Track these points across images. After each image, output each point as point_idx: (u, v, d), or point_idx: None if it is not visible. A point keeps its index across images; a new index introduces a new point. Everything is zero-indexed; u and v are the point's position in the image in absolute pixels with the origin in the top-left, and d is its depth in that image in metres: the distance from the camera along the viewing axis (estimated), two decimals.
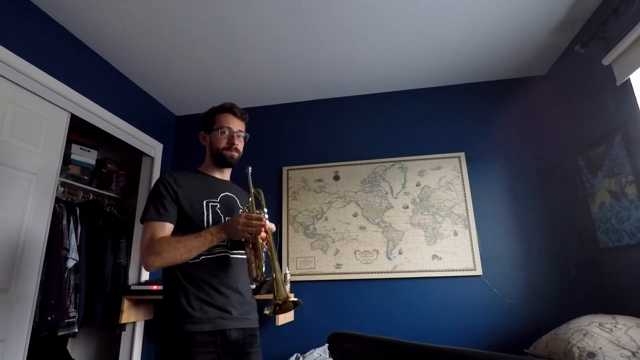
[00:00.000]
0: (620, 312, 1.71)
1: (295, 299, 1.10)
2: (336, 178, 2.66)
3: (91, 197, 2.63)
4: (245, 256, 1.32)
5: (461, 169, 2.53)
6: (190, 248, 1.18)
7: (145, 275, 2.54)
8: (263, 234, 1.19)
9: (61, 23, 2.01)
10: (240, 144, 1.42)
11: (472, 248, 2.37)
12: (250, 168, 1.40)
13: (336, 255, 2.50)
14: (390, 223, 2.51)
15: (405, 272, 2.40)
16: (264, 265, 1.20)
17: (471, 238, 2.39)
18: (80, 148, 2.57)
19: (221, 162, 1.41)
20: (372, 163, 2.65)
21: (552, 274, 2.26)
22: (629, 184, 1.79)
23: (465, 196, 2.47)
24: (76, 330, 2.13)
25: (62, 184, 2.38)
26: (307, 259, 2.53)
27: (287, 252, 2.55)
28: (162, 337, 1.23)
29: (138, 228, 2.62)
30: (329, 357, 2.05)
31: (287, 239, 2.58)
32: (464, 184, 2.50)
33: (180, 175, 1.34)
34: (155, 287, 2.26)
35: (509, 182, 2.47)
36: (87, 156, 2.61)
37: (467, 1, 1.92)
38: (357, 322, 2.35)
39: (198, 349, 1.16)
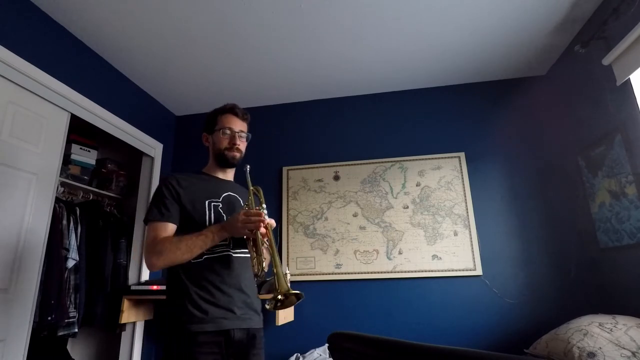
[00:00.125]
0: (620, 312, 1.71)
1: (297, 292, 1.09)
2: (336, 178, 2.66)
3: (91, 197, 2.63)
4: (248, 255, 1.32)
5: (461, 169, 2.53)
6: (191, 247, 1.19)
7: (145, 275, 2.54)
8: (262, 230, 1.19)
9: (61, 23, 2.01)
10: (242, 144, 1.43)
11: (472, 248, 2.37)
12: (248, 166, 1.41)
13: (336, 255, 2.50)
14: (390, 223, 2.51)
15: (405, 272, 2.40)
16: (264, 261, 1.20)
17: (471, 238, 2.39)
18: (80, 148, 2.57)
19: (223, 162, 1.42)
20: (372, 163, 2.65)
21: (552, 274, 2.26)
22: (629, 184, 1.79)
23: (465, 196, 2.47)
24: (76, 330, 2.13)
25: (62, 184, 2.38)
26: (307, 259, 2.53)
27: (287, 252, 2.55)
28: (165, 337, 1.24)
29: (138, 228, 2.62)
30: (329, 357, 2.05)
31: (287, 239, 2.58)
32: (464, 184, 2.50)
33: (183, 177, 1.35)
34: (155, 287, 2.27)
35: (509, 182, 2.47)
36: (87, 156, 2.61)
37: (467, 1, 1.92)
38: (357, 322, 2.35)
39: (201, 349, 1.16)
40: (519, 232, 2.37)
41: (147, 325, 2.54)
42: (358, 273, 2.44)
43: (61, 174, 2.22)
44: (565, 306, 2.13)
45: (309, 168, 2.72)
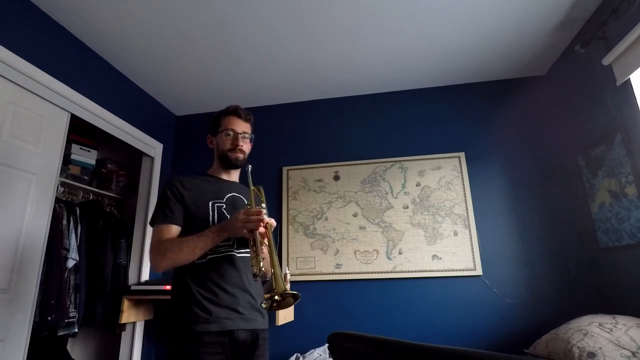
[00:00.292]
0: (620, 312, 1.71)
1: (294, 292, 1.09)
2: (336, 178, 2.66)
3: (91, 197, 2.63)
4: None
5: (461, 169, 2.53)
6: (193, 247, 1.20)
7: (145, 275, 2.54)
8: (262, 229, 1.19)
9: (61, 23, 2.01)
10: (245, 145, 1.43)
11: (472, 248, 2.37)
12: (250, 167, 1.41)
13: (336, 255, 2.50)
14: (390, 223, 2.51)
15: (405, 272, 2.40)
16: (262, 261, 1.18)
17: (471, 238, 2.39)
18: (80, 148, 2.57)
19: (227, 164, 1.42)
20: (372, 163, 2.65)
21: (552, 274, 2.26)
22: (629, 184, 1.79)
23: (465, 196, 2.47)
24: (76, 330, 2.13)
25: (62, 184, 2.38)
26: (307, 259, 2.53)
27: (287, 252, 2.55)
28: (169, 337, 1.26)
29: (138, 228, 2.62)
30: (329, 357, 2.05)
31: (287, 239, 2.58)
32: (464, 184, 2.50)
33: (187, 179, 1.37)
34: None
35: (509, 182, 2.47)
36: (87, 156, 2.61)
37: (467, 1, 1.92)
38: (357, 322, 2.35)
39: (205, 349, 1.17)
40: (519, 232, 2.37)
41: (147, 325, 2.54)
42: (358, 273, 2.44)
43: (61, 174, 2.22)
44: (565, 306, 2.13)
45: (309, 168, 2.72)
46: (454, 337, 2.22)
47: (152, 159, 2.75)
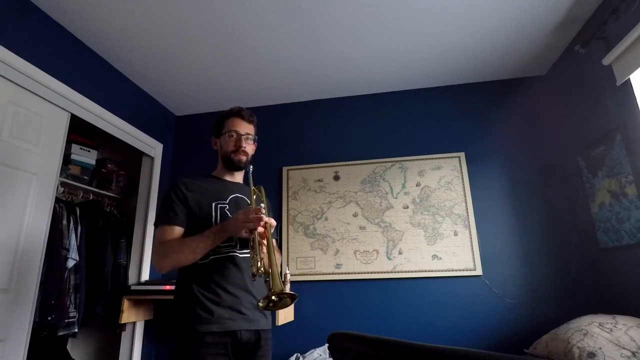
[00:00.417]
0: (620, 312, 1.71)
1: (291, 292, 1.08)
2: (336, 178, 2.66)
3: (91, 197, 2.63)
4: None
5: (461, 169, 2.53)
6: (194, 248, 1.21)
7: (145, 275, 2.54)
8: (260, 229, 1.19)
9: (61, 23, 2.01)
10: (248, 147, 1.43)
11: (472, 248, 2.37)
12: (251, 167, 1.42)
13: (336, 255, 2.50)
14: (390, 223, 2.51)
15: (405, 272, 2.40)
16: (259, 260, 1.16)
17: (471, 238, 2.39)
18: (80, 148, 2.57)
19: (230, 165, 1.43)
20: (372, 163, 2.65)
21: (552, 274, 2.26)
22: (629, 184, 1.79)
23: (465, 196, 2.47)
24: (76, 330, 2.13)
25: (62, 184, 2.38)
26: (307, 259, 2.53)
27: (287, 252, 2.55)
28: (172, 337, 1.26)
29: (138, 228, 2.62)
30: (329, 357, 2.05)
31: (287, 239, 2.58)
32: (464, 184, 2.50)
33: (191, 180, 1.38)
34: (155, 287, 2.27)
35: (509, 182, 2.47)
36: (87, 156, 2.61)
37: (467, 1, 1.92)
38: (357, 322, 2.35)
39: (207, 350, 1.17)
40: (519, 232, 2.37)
41: (147, 325, 2.54)
42: (358, 273, 2.44)
43: (61, 174, 2.22)
44: (565, 306, 2.13)
45: (309, 168, 2.72)
46: (454, 337, 2.22)
47: (152, 159, 2.75)
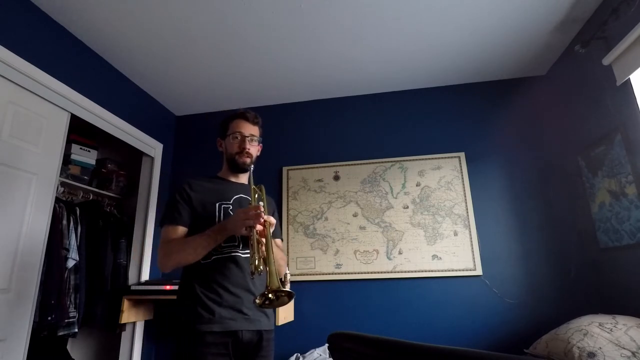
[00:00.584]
0: (620, 312, 1.71)
1: (288, 290, 1.08)
2: (336, 178, 2.66)
3: (91, 197, 2.63)
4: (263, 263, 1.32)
5: (461, 169, 2.53)
6: (195, 247, 1.23)
7: (145, 275, 2.54)
8: (259, 227, 1.19)
9: (61, 23, 2.01)
10: (252, 148, 1.44)
11: (472, 248, 2.37)
12: (252, 166, 1.43)
13: (336, 255, 2.50)
14: (390, 223, 2.51)
15: (405, 272, 2.40)
16: (257, 258, 1.16)
17: (471, 238, 2.39)
18: (80, 148, 2.57)
19: (235, 167, 1.45)
20: (372, 163, 2.65)
21: (552, 274, 2.26)
22: (629, 184, 1.79)
23: (465, 196, 2.47)
24: (76, 330, 2.13)
25: (62, 184, 2.38)
26: (307, 259, 2.53)
27: (287, 252, 2.55)
28: (175, 337, 1.27)
29: (138, 228, 2.62)
30: (329, 357, 2.05)
31: (287, 239, 2.58)
32: (464, 184, 2.50)
33: (196, 181, 1.40)
34: (155, 287, 2.27)
35: (509, 182, 2.47)
36: (87, 156, 2.61)
37: (467, 1, 1.92)
38: (357, 322, 2.35)
39: (208, 349, 1.18)
40: (519, 232, 2.37)
41: (147, 325, 2.54)
42: (358, 273, 2.44)
43: (61, 174, 2.22)
44: (565, 306, 2.13)
45: (309, 168, 2.72)
46: (454, 337, 2.22)
47: (152, 159, 2.75)
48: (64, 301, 2.06)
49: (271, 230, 1.23)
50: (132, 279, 2.51)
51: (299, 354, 2.19)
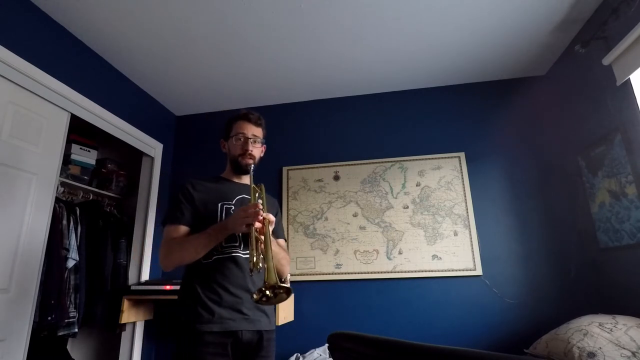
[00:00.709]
0: (620, 312, 1.71)
1: (286, 286, 1.07)
2: (336, 178, 2.66)
3: (91, 197, 2.63)
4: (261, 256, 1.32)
5: (461, 169, 2.53)
6: (196, 245, 1.24)
7: (145, 275, 2.54)
8: (258, 224, 1.19)
9: (61, 23, 2.01)
10: (255, 150, 1.44)
11: (472, 248, 2.37)
12: (250, 162, 1.43)
13: (336, 255, 2.50)
14: (390, 223, 2.51)
15: (405, 272, 2.40)
16: (256, 256, 1.16)
17: (471, 238, 2.39)
18: (80, 148, 2.57)
19: (237, 169, 1.45)
20: (372, 163, 2.65)
21: (552, 274, 2.26)
22: (629, 184, 1.79)
23: (465, 196, 2.47)
24: (76, 330, 2.13)
25: (62, 184, 2.38)
26: (307, 259, 2.53)
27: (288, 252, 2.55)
28: (175, 337, 1.28)
29: (138, 228, 2.62)
30: (329, 357, 2.05)
31: (288, 239, 2.58)
32: (464, 184, 2.50)
33: (199, 181, 1.42)
34: (155, 287, 2.27)
35: (509, 182, 2.47)
36: (87, 156, 2.61)
37: (467, 1, 1.92)
38: (357, 322, 2.35)
39: (207, 349, 1.18)
40: (519, 232, 2.37)
41: (147, 325, 2.54)
42: (358, 273, 2.44)
43: (61, 174, 2.22)
44: (565, 306, 2.13)
45: (309, 168, 2.72)
46: (454, 337, 2.22)
47: (152, 159, 2.75)
48: (64, 301, 2.06)
49: (270, 228, 1.23)
50: (132, 279, 2.51)
51: (299, 354, 2.19)
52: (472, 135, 2.59)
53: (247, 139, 1.42)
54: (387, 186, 2.58)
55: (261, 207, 1.21)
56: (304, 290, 2.44)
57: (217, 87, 2.68)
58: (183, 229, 1.31)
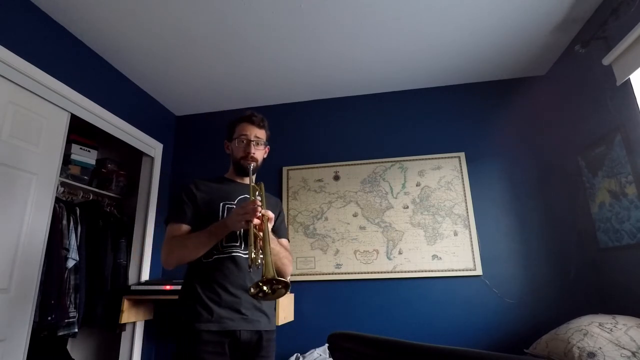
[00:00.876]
0: (620, 312, 1.71)
1: (284, 280, 1.05)
2: (336, 178, 2.66)
3: (91, 197, 2.62)
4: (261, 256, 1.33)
5: (461, 169, 2.53)
6: (196, 243, 1.25)
7: (145, 275, 2.54)
8: (256, 220, 1.19)
9: (61, 23, 2.01)
10: (257, 152, 1.45)
11: (472, 248, 2.37)
12: (252, 164, 1.43)
13: (336, 255, 2.50)
14: (390, 223, 2.51)
15: (405, 272, 2.40)
16: (253, 252, 1.15)
17: (471, 238, 2.39)
18: (80, 148, 2.57)
19: (240, 171, 1.47)
20: (372, 163, 2.65)
21: (552, 274, 2.26)
22: (629, 184, 1.79)
23: (465, 196, 2.47)
24: (76, 330, 2.13)
25: (62, 184, 2.38)
26: (307, 259, 2.53)
27: None
28: (174, 337, 1.29)
29: (138, 228, 2.62)
30: (329, 357, 2.05)
31: (288, 239, 2.58)
32: (464, 184, 2.50)
33: (202, 181, 1.43)
34: (155, 287, 2.27)
35: (509, 182, 2.47)
36: (87, 156, 2.61)
37: (467, 1, 1.92)
38: (357, 322, 2.35)
39: (205, 348, 1.18)
40: (519, 232, 2.37)
41: (147, 325, 2.54)
42: (358, 273, 2.44)
43: (61, 174, 2.22)
44: (565, 306, 2.13)
45: (309, 168, 2.72)
46: (454, 337, 2.22)
47: (152, 159, 2.75)
48: (64, 301, 2.06)
49: (270, 225, 1.23)
50: (132, 279, 2.51)
51: (299, 354, 2.19)
52: (472, 135, 2.59)
53: (249, 141, 1.43)
54: (387, 186, 2.58)
55: (259, 203, 1.22)
56: (304, 290, 2.44)
57: (217, 87, 2.68)
58: (185, 227, 1.33)
